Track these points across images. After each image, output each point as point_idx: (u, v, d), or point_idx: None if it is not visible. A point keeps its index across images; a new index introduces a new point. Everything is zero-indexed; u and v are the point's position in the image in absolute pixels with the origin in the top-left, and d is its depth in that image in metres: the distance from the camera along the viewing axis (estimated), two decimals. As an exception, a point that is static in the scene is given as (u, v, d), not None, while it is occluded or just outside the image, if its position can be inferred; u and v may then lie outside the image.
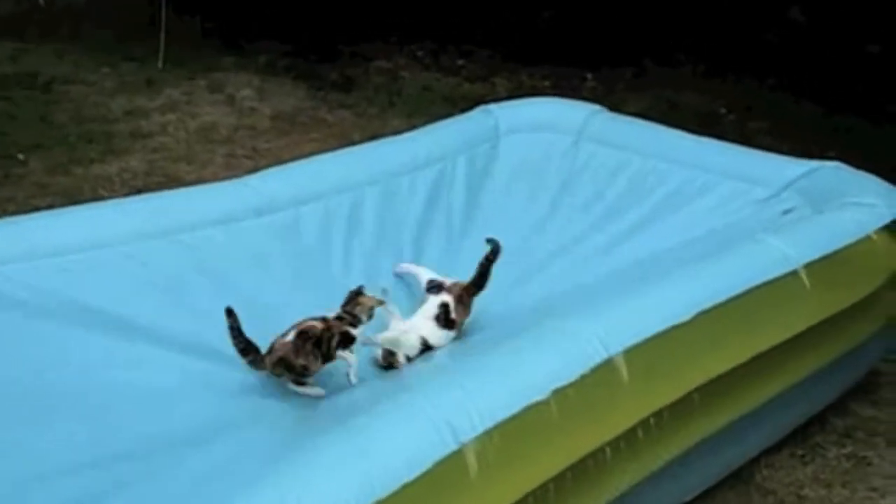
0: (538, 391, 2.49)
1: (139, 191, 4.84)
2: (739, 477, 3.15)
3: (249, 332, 3.16)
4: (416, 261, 3.68)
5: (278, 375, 3.03)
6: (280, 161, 4.57)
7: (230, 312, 2.96)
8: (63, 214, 3.49)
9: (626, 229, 3.79)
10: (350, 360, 3.08)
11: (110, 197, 4.68)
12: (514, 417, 2.43)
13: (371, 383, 3.05)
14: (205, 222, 3.46)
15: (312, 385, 3.04)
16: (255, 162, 5.21)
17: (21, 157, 5.23)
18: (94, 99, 6.04)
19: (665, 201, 3.82)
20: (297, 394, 3.02)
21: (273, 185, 3.66)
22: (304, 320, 3.06)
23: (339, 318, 3.11)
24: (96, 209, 3.51)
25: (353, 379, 3.06)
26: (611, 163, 3.99)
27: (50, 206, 4.48)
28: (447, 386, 2.51)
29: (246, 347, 3.00)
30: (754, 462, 3.20)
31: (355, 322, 3.11)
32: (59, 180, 5.04)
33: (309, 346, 3.03)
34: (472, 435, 2.35)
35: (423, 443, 2.31)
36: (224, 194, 3.64)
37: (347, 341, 3.09)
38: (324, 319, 3.07)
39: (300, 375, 3.03)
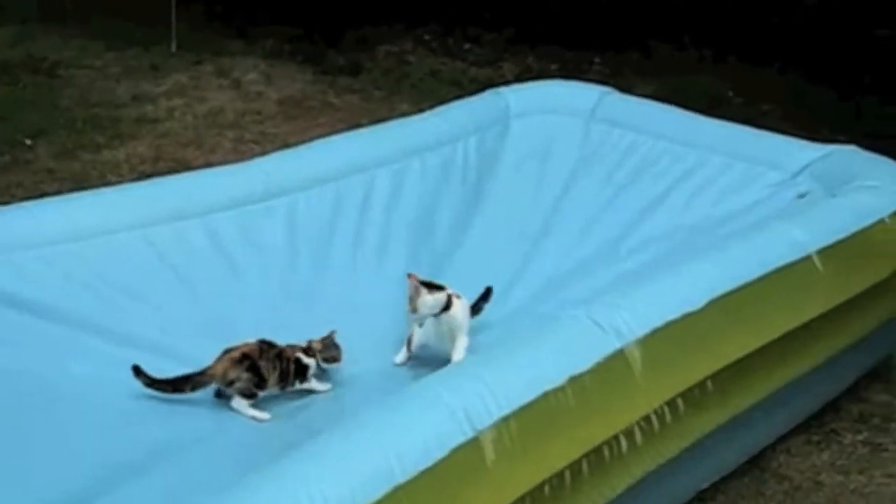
0: (554, 379, 2.45)
1: (147, 176, 4.78)
2: (755, 464, 3.11)
3: (258, 316, 3.21)
4: (427, 242, 3.67)
5: (229, 384, 2.94)
6: (288, 145, 4.57)
7: (137, 371, 2.90)
8: (72, 200, 3.47)
9: (639, 212, 3.74)
10: (318, 388, 3.07)
11: (118, 182, 4.64)
12: (530, 405, 2.39)
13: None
14: (215, 206, 3.44)
15: (258, 403, 2.97)
16: (263, 146, 5.16)
17: (28, 142, 5.19)
18: (101, 84, 6.00)
19: (677, 184, 3.76)
20: (238, 414, 2.94)
21: (283, 168, 3.64)
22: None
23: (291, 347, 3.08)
24: (105, 194, 3.49)
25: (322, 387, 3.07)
26: (622, 144, 3.94)
27: (58, 192, 4.47)
28: (462, 374, 2.47)
29: (175, 384, 2.92)
30: (770, 449, 3.17)
31: (309, 353, 3.07)
32: (67, 165, 5.01)
33: (272, 354, 2.99)
34: (489, 422, 2.31)
35: (440, 430, 2.27)
36: (234, 177, 3.61)
37: (301, 370, 3.05)
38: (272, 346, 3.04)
39: (255, 386, 2.95)
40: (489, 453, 2.29)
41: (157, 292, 3.24)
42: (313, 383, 3.08)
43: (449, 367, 2.61)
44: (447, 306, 3.08)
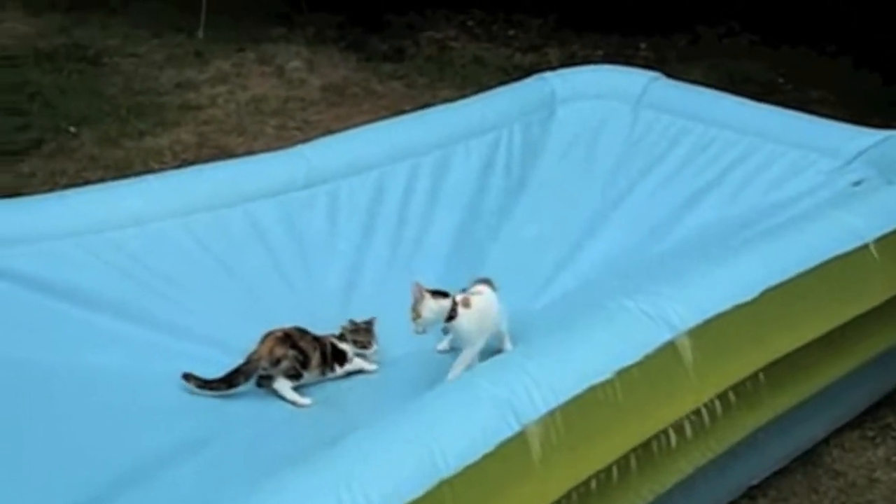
0: (601, 371, 2.38)
1: (191, 163, 4.72)
2: (808, 459, 3.02)
3: (298, 304, 3.20)
4: (470, 230, 3.61)
5: (275, 362, 2.90)
6: (331, 132, 4.48)
7: (187, 377, 2.88)
8: (112, 188, 3.45)
9: (688, 200, 3.64)
10: (366, 367, 3.05)
11: (161, 170, 4.63)
12: (577, 398, 2.32)
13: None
14: (256, 194, 3.41)
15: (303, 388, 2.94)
16: (306, 133, 5.12)
17: (73, 129, 5.18)
18: (144, 71, 5.98)
19: (728, 171, 3.66)
20: (281, 398, 2.91)
21: (325, 155, 3.61)
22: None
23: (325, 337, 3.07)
24: (145, 182, 3.46)
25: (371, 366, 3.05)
26: (671, 131, 3.84)
27: (101, 179, 4.49)
28: (508, 367, 2.39)
29: (230, 381, 2.89)
30: (823, 443, 3.08)
31: (342, 338, 3.06)
32: (111, 153, 4.99)
33: (310, 337, 2.97)
34: (535, 416, 2.25)
35: (485, 424, 2.21)
36: (275, 165, 3.58)
37: (339, 354, 3.02)
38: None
39: (301, 365, 2.92)
40: (535, 448, 2.23)
41: (196, 280, 3.22)
42: (357, 362, 3.06)
43: (493, 359, 2.53)
44: (452, 315, 2.91)
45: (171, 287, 3.18)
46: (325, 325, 3.11)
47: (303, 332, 3.02)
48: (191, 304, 3.16)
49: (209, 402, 2.90)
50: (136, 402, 2.88)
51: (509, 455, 2.19)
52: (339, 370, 3.05)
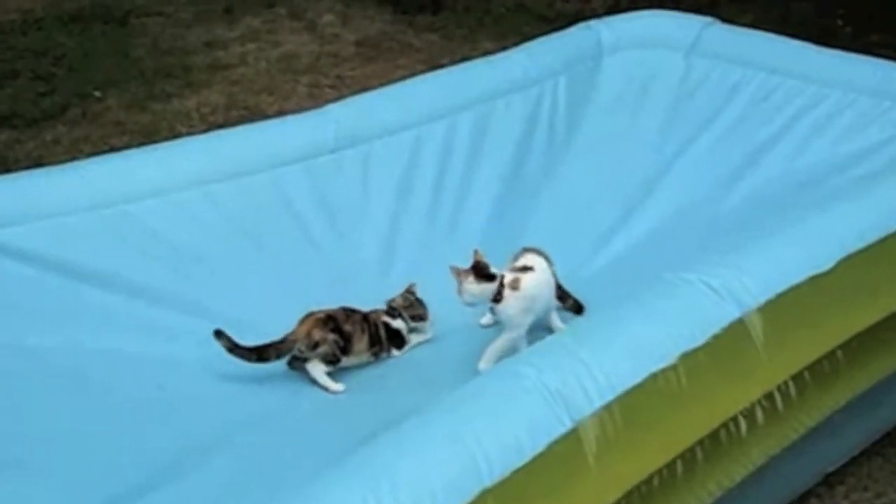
0: (664, 357, 2.14)
1: (219, 126, 4.56)
2: (889, 444, 2.78)
3: (332, 277, 3.04)
4: (512, 191, 3.42)
5: (313, 346, 2.71)
6: (366, 89, 4.26)
7: (219, 334, 2.67)
8: (127, 157, 3.24)
9: (749, 156, 3.37)
10: (421, 339, 2.91)
11: (189, 133, 4.47)
12: (636, 388, 2.08)
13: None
14: (282, 159, 3.21)
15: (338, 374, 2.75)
16: (340, 91, 4.92)
17: (98, 94, 5.00)
18: (172, 31, 5.77)
19: (793, 123, 3.38)
20: (315, 384, 2.71)
21: (356, 115, 3.40)
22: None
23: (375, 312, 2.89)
24: (163, 149, 3.24)
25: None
26: (729, 80, 3.56)
27: (127, 146, 4.31)
28: (557, 353, 2.15)
29: (260, 352, 2.69)
30: (905, 425, 2.82)
31: (395, 314, 2.87)
32: (137, 118, 4.80)
33: (357, 318, 2.78)
34: (590, 410, 2.02)
35: (533, 421, 1.98)
36: (302, 127, 3.36)
37: (394, 336, 2.85)
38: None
39: (341, 350, 2.73)
40: (590, 445, 2.01)
41: (222, 256, 3.02)
42: (412, 341, 2.91)
43: (541, 344, 2.28)
44: (497, 298, 2.68)
45: (195, 264, 2.98)
46: (364, 298, 2.93)
47: (349, 313, 2.82)
48: (217, 283, 2.97)
49: (237, 389, 2.72)
50: (160, 392, 2.70)
51: (561, 455, 1.97)
52: (395, 353, 2.89)
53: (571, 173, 3.50)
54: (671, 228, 3.26)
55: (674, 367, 2.14)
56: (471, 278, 2.67)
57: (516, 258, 2.80)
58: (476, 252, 2.72)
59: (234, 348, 2.68)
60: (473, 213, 3.35)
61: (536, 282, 2.72)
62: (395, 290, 2.95)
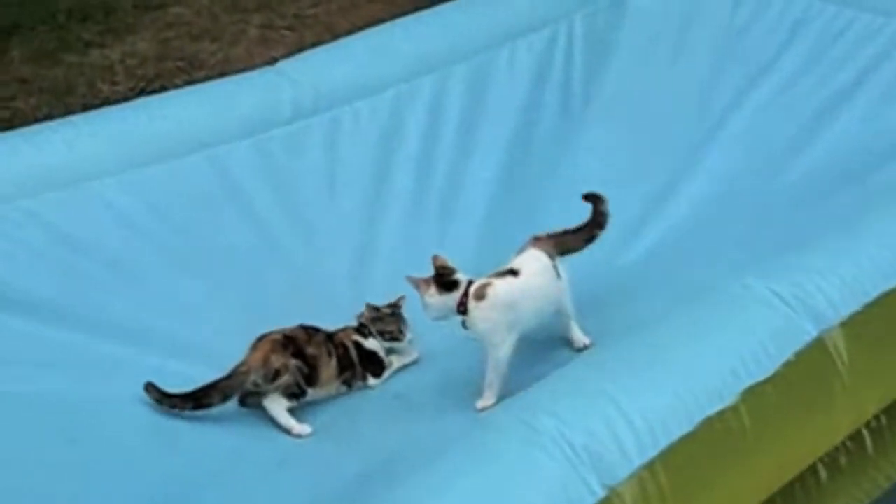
0: (721, 394, 2.10)
1: (148, 81, 4.66)
2: None
3: (293, 283, 3.05)
4: (520, 163, 3.41)
5: (273, 376, 2.64)
6: (332, 34, 4.37)
7: (149, 388, 2.62)
8: (25, 137, 3.14)
9: (817, 114, 3.34)
10: (405, 362, 2.87)
11: (111, 92, 4.50)
12: (686, 438, 2.04)
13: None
14: (226, 134, 3.20)
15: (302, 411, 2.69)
16: (300, 34, 4.98)
17: (-4, 43, 5.04)
18: (89, -39, 5.81)
19: (871, 71, 3.34)
20: (274, 423, 2.67)
21: (319, 73, 3.41)
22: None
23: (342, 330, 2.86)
24: (72, 126, 3.15)
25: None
26: (786, 18, 3.56)
27: (35, 109, 4.41)
28: (582, 393, 2.10)
29: (198, 398, 2.62)
30: None
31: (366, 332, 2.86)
32: (46, 72, 4.81)
33: (321, 339, 2.77)
34: (627, 472, 1.96)
35: (554, 488, 1.92)
36: (251, 89, 3.34)
37: (372, 360, 2.84)
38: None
39: (306, 380, 2.68)
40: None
41: (153, 265, 2.98)
42: (393, 365, 2.87)
43: (559, 377, 2.21)
44: (461, 309, 2.65)
45: (119, 277, 2.93)
46: (335, 311, 2.90)
47: (311, 333, 2.78)
48: (149, 300, 2.92)
49: (177, 438, 2.63)
50: (89, 436, 2.59)
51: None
52: (372, 382, 2.82)
53: (593, 141, 3.48)
54: (719, 210, 3.22)
55: (734, 408, 2.10)
56: (432, 289, 2.67)
57: (520, 253, 2.77)
58: (436, 257, 2.71)
59: (164, 398, 2.62)
60: (470, 195, 3.33)
61: (512, 288, 2.67)
62: (373, 301, 2.89)
